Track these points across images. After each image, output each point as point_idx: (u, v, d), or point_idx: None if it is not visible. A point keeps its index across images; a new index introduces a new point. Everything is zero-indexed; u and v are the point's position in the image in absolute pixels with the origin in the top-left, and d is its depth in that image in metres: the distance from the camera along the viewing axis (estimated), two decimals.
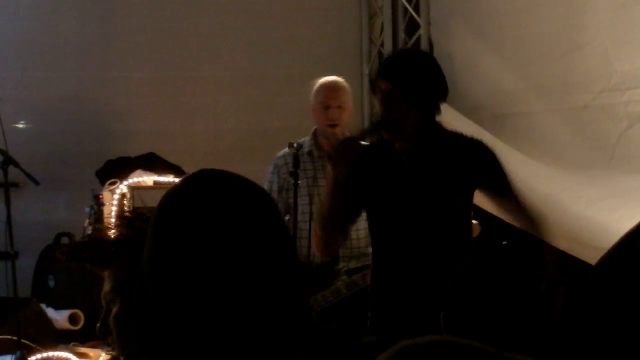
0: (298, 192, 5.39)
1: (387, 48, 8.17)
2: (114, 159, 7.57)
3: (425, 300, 4.28)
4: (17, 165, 6.53)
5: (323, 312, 5.29)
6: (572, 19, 6.17)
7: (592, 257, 5.64)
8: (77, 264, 2.07)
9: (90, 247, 2.07)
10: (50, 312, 7.06)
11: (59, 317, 6.98)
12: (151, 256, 1.68)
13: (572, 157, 6.23)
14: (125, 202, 6.94)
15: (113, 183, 7.08)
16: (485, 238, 4.95)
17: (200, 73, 8.16)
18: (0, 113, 6.57)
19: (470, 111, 7.10)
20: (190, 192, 1.69)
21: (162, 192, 1.74)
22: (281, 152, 5.77)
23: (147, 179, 7.10)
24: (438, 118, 4.55)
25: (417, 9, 7.91)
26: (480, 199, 4.74)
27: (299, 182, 5.40)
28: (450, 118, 7.15)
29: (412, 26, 8.03)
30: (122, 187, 7.01)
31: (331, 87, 5.71)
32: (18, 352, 6.23)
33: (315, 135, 5.75)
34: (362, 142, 4.42)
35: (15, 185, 7.10)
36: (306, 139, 5.73)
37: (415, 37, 7.98)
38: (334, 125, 5.61)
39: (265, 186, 5.55)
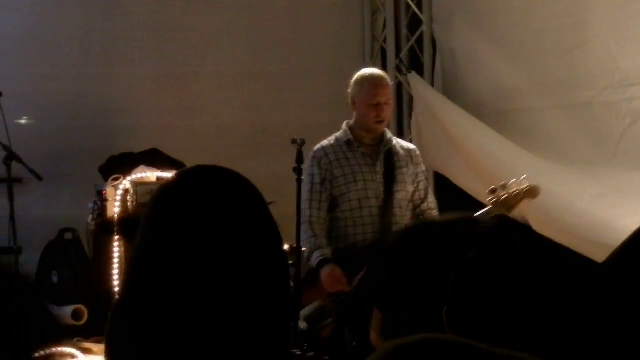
0: (342, 181, 5.54)
1: (390, 44, 8.17)
2: (117, 154, 7.57)
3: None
4: (20, 160, 6.53)
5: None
6: (575, 16, 6.17)
7: (595, 253, 5.64)
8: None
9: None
10: (54, 308, 7.07)
11: (63, 313, 6.99)
12: (142, 249, 1.69)
13: (575, 153, 6.24)
14: (128, 197, 6.94)
15: (116, 179, 7.09)
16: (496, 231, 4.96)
17: (203, 69, 8.16)
18: (4, 109, 6.58)
19: (473, 108, 7.11)
20: (184, 188, 1.69)
21: None
22: (319, 145, 5.71)
23: (150, 174, 7.11)
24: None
25: (419, 5, 7.91)
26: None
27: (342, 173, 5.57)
28: (453, 115, 7.17)
29: (415, 23, 8.03)
30: (126, 183, 7.01)
31: (381, 84, 5.61)
32: (22, 348, 6.24)
33: (352, 128, 5.70)
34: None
35: (19, 180, 7.10)
36: (341, 134, 5.71)
37: (417, 33, 7.98)
38: (380, 122, 5.60)
39: (306, 180, 5.56)
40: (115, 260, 6.79)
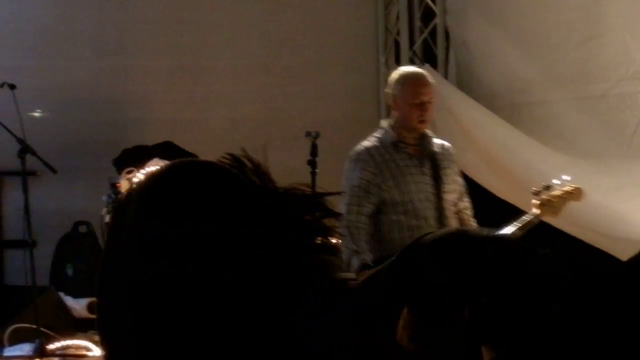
0: (392, 184, 5.28)
1: (403, 37, 8.15)
2: (131, 147, 7.58)
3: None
4: (34, 153, 6.55)
5: None
6: (590, 8, 6.15)
7: (610, 247, 5.64)
8: None
9: None
10: (69, 301, 7.09)
11: (78, 306, 7.01)
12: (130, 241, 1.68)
13: (589, 146, 6.22)
14: None
15: (130, 171, 7.09)
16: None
17: (217, 62, 8.16)
18: (18, 101, 6.60)
19: (487, 100, 7.09)
20: (171, 181, 1.68)
21: None
22: (361, 147, 5.42)
23: None
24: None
25: None
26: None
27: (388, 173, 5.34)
28: (466, 107, 7.16)
29: (428, 15, 8.01)
30: (139, 176, 7.01)
31: (424, 83, 5.41)
32: (37, 341, 6.26)
33: (394, 128, 5.44)
34: None
35: (33, 173, 7.12)
36: (383, 135, 5.43)
37: (431, 25, 7.97)
38: (423, 121, 5.40)
39: (350, 183, 5.29)
40: None
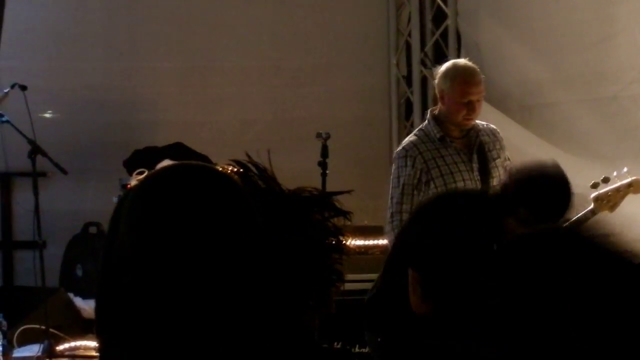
0: (441, 182, 5.12)
1: (415, 38, 8.14)
2: (141, 148, 7.59)
3: None
4: (45, 154, 6.56)
5: None
6: (602, 9, 6.13)
7: None
8: None
9: None
10: (78, 302, 7.10)
11: (87, 307, 7.01)
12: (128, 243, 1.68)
13: (600, 148, 6.20)
14: None
15: (141, 173, 7.09)
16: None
17: (227, 63, 8.16)
18: (29, 102, 6.62)
19: (498, 101, 7.07)
20: (166, 186, 1.67)
21: None
22: (408, 141, 5.25)
23: None
24: None
25: None
26: None
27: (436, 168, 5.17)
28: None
29: (440, 16, 8.00)
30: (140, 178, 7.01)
31: (474, 80, 5.16)
32: (46, 341, 6.27)
33: (439, 121, 5.23)
34: None
35: (43, 174, 7.14)
36: (429, 128, 5.22)
37: (442, 27, 7.95)
38: (470, 119, 5.18)
39: (399, 180, 5.15)
40: None
